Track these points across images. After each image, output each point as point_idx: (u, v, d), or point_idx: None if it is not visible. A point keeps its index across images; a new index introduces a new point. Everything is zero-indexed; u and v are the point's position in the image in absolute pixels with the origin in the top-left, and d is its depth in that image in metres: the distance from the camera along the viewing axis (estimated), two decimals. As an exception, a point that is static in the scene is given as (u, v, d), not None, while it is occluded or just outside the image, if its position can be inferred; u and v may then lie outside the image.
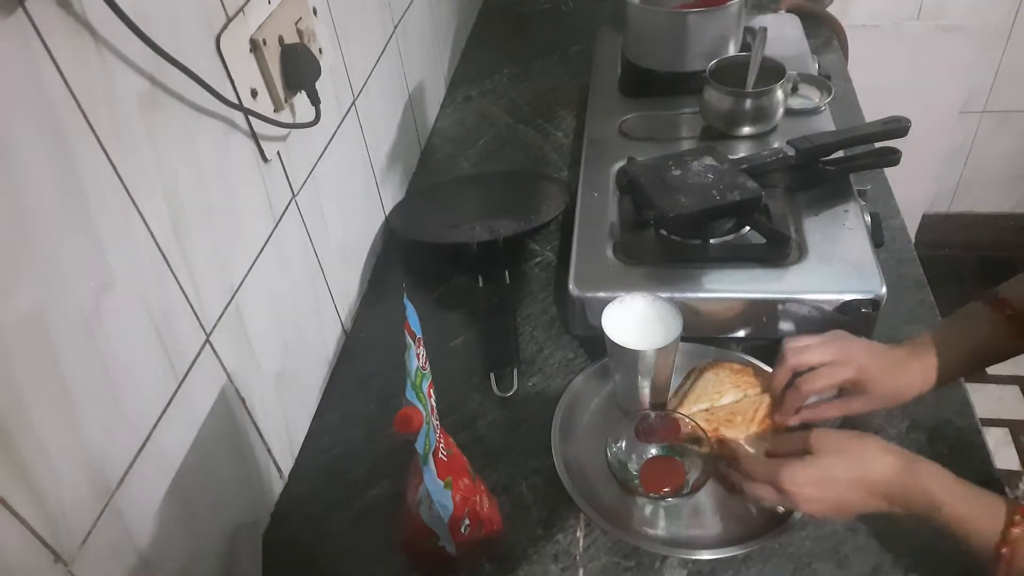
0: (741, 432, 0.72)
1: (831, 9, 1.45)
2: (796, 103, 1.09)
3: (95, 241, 0.52)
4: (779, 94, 1.03)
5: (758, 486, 0.65)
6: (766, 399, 0.74)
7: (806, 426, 0.71)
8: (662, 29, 1.15)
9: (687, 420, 0.73)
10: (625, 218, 0.94)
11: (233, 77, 0.67)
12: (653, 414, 0.75)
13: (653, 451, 0.74)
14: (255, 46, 0.70)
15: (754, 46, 1.08)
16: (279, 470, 0.79)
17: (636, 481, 0.71)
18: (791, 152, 0.93)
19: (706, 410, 0.75)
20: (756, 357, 0.83)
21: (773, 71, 1.04)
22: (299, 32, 0.77)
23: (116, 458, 0.54)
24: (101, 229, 0.52)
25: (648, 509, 0.72)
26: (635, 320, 0.76)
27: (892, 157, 0.95)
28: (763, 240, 0.87)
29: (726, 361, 0.80)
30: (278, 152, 0.77)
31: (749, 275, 0.84)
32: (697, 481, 0.70)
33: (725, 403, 0.75)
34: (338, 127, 0.92)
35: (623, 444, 0.73)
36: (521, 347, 0.90)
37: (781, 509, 0.69)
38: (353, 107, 0.97)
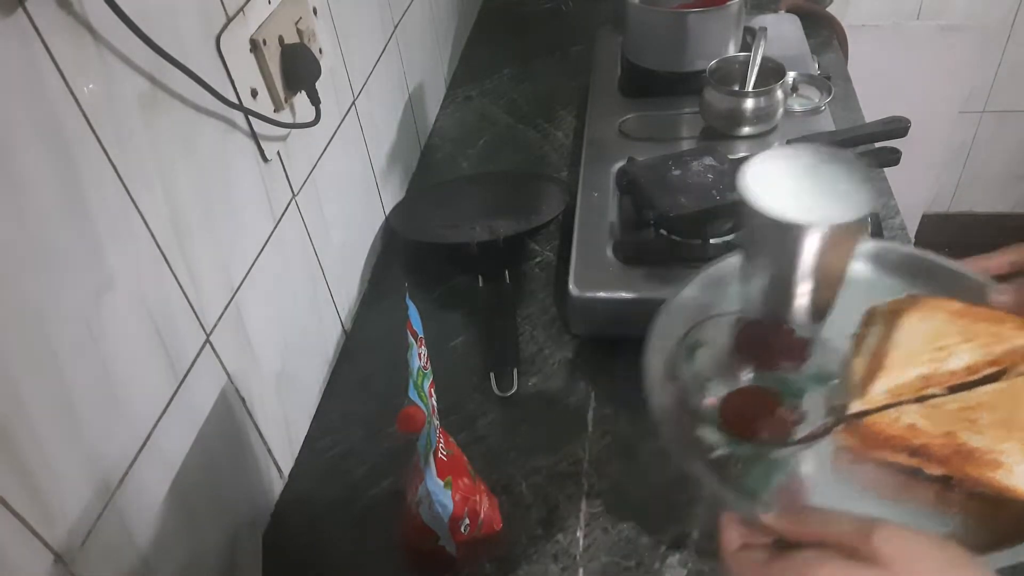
0: (1000, 440, 0.44)
1: (831, 9, 1.45)
2: (796, 103, 1.09)
3: (95, 241, 0.52)
4: (779, 94, 1.03)
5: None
6: None
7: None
8: (662, 29, 1.15)
9: (877, 404, 0.46)
10: (625, 218, 0.94)
11: (233, 77, 0.67)
12: (766, 322, 0.53)
13: (747, 379, 0.53)
14: (255, 46, 0.70)
15: (754, 46, 1.08)
16: (279, 470, 0.79)
17: (716, 414, 0.51)
18: (791, 152, 0.93)
19: (927, 399, 0.47)
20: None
21: (773, 71, 1.04)
22: (299, 32, 0.77)
23: (116, 458, 0.54)
24: (101, 229, 0.52)
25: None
26: (796, 185, 0.52)
27: (892, 157, 0.95)
28: (763, 240, 0.87)
29: (935, 299, 0.52)
30: (278, 152, 0.77)
31: (749, 275, 0.83)
32: (811, 432, 0.48)
33: (954, 368, 0.48)
34: (338, 127, 0.92)
35: (701, 356, 0.53)
36: (521, 347, 0.90)
37: None
38: (353, 107, 0.97)
